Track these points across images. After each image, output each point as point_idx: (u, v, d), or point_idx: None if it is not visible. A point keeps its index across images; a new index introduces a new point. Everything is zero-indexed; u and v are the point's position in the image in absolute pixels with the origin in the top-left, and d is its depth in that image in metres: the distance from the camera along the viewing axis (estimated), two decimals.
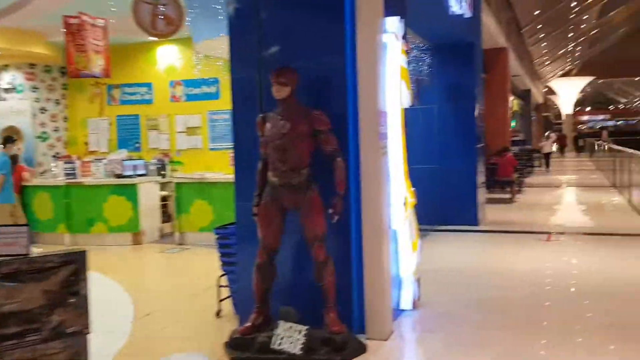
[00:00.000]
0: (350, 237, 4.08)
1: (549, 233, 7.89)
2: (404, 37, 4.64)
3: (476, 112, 8.91)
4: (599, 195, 13.04)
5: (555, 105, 47.04)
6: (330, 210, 3.81)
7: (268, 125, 3.90)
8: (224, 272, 4.81)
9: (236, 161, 4.39)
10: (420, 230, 8.09)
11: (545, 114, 45.19)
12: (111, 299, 5.49)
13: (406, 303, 4.58)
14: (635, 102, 62.37)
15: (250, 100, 4.27)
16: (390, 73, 4.26)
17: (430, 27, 7.71)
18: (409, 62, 7.51)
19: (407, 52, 4.71)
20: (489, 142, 14.89)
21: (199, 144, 10.05)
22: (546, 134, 25.39)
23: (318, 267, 3.87)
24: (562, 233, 7.98)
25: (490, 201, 11.41)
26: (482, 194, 9.29)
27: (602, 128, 48.28)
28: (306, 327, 3.71)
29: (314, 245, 3.84)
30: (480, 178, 9.19)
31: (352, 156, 4.06)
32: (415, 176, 8.26)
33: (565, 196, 13.93)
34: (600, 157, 20.97)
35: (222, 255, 4.81)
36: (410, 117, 8.34)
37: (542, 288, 5.25)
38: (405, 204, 4.47)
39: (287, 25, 4.20)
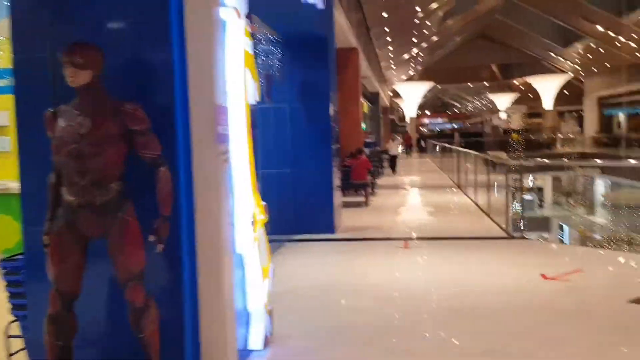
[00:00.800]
0: (181, 270, 3.14)
1: (405, 239, 7.55)
2: (249, 17, 3.80)
3: (331, 112, 8.37)
4: (447, 196, 13.31)
5: (400, 108, 49.51)
6: (152, 238, 2.84)
7: (61, 122, 2.82)
8: (15, 318, 3.61)
9: (21, 172, 3.23)
10: (274, 241, 7.35)
11: (391, 117, 47.23)
12: None
13: (256, 342, 3.74)
14: (468, 106, 68.01)
15: (39, 89, 3.15)
16: (230, 58, 3.39)
17: (281, 16, 7.00)
18: (258, 54, 6.72)
19: (252, 35, 3.87)
20: (342, 144, 14.66)
21: (7, 146, 8.31)
22: (392, 136, 26.01)
23: (135, 314, 2.88)
24: (418, 238, 7.69)
25: (345, 205, 11.02)
26: (337, 199, 8.78)
27: (454, 130, 52.21)
28: None
29: (129, 285, 2.84)
30: (336, 181, 8.68)
31: (181, 164, 3.12)
32: (266, 182, 7.49)
33: (416, 198, 14.07)
34: (443, 158, 21.93)
35: (12, 295, 3.60)
36: (260, 116, 7.56)
37: (408, 307, 4.71)
38: (253, 222, 3.62)
39: None
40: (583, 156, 29.14)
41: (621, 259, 6.50)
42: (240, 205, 3.46)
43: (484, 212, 9.91)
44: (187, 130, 3.15)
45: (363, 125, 24.56)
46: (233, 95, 3.40)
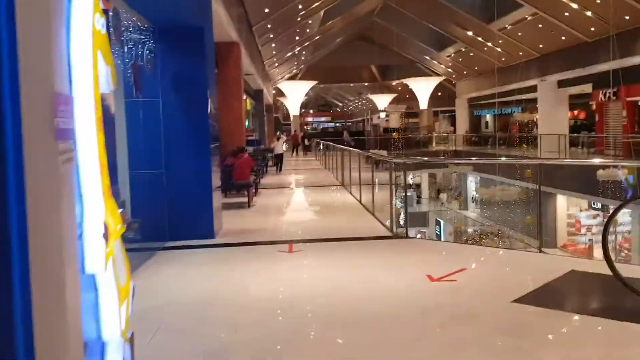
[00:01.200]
0: (10, 297, 2.49)
1: (290, 242, 7.19)
2: None
3: (209, 108, 7.80)
4: (331, 195, 13.20)
5: (284, 106, 49.46)
6: None
7: None
8: None
9: None
10: (145, 250, 6.68)
11: (275, 115, 47.02)
12: None
13: None
14: (350, 106, 69.67)
15: None
16: (76, 37, 2.79)
17: (151, 2, 6.35)
18: (124, 42, 6.02)
19: (106, 13, 3.26)
20: (224, 142, 14.08)
21: None
22: (278, 134, 25.62)
23: None
24: (303, 241, 7.37)
25: (227, 207, 10.51)
26: (218, 201, 8.23)
27: (344, 128, 53.26)
28: None
29: None
30: (216, 182, 8.12)
31: (10, 166, 2.47)
32: (136, 184, 6.81)
33: (301, 197, 13.84)
34: (327, 156, 21.97)
35: None
36: (129, 111, 6.85)
37: (294, 320, 4.34)
38: (106, 234, 3.03)
39: None
40: (456, 153, 30.76)
41: (498, 256, 6.62)
42: (89, 215, 2.87)
43: (368, 210, 9.84)
44: (17, 124, 2.51)
45: (247, 123, 24.04)
46: (79, 82, 2.80)
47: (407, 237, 7.63)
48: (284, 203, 12.11)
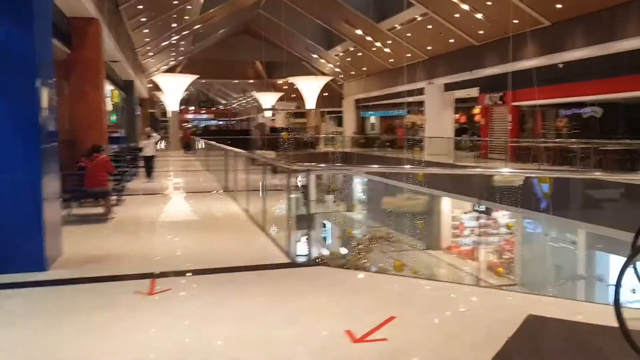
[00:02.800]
0: None
1: (153, 277, 5.27)
2: None
3: (44, 95, 5.67)
4: (213, 203, 11.31)
5: (161, 102, 46.00)
6: None
7: None
8: None
9: None
10: None
11: (152, 110, 43.56)
12: None
13: None
14: (234, 103, 67.16)
15: None
16: None
17: None
18: None
19: None
20: (78, 139, 11.67)
21: None
22: (147, 131, 21.95)
23: None
24: (172, 274, 5.47)
25: (79, 221, 8.34)
26: (54, 217, 6.09)
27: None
28: None
29: None
30: (52, 191, 5.97)
31: None
32: None
33: (176, 207, 11.69)
34: (209, 157, 19.87)
35: None
36: None
37: None
38: None
39: None
40: (346, 155, 29.88)
41: (429, 293, 5.22)
42: None
43: (257, 225, 8.11)
44: None
45: (113, 118, 21.25)
46: None
47: (309, 265, 5.97)
48: (152, 216, 9.86)
